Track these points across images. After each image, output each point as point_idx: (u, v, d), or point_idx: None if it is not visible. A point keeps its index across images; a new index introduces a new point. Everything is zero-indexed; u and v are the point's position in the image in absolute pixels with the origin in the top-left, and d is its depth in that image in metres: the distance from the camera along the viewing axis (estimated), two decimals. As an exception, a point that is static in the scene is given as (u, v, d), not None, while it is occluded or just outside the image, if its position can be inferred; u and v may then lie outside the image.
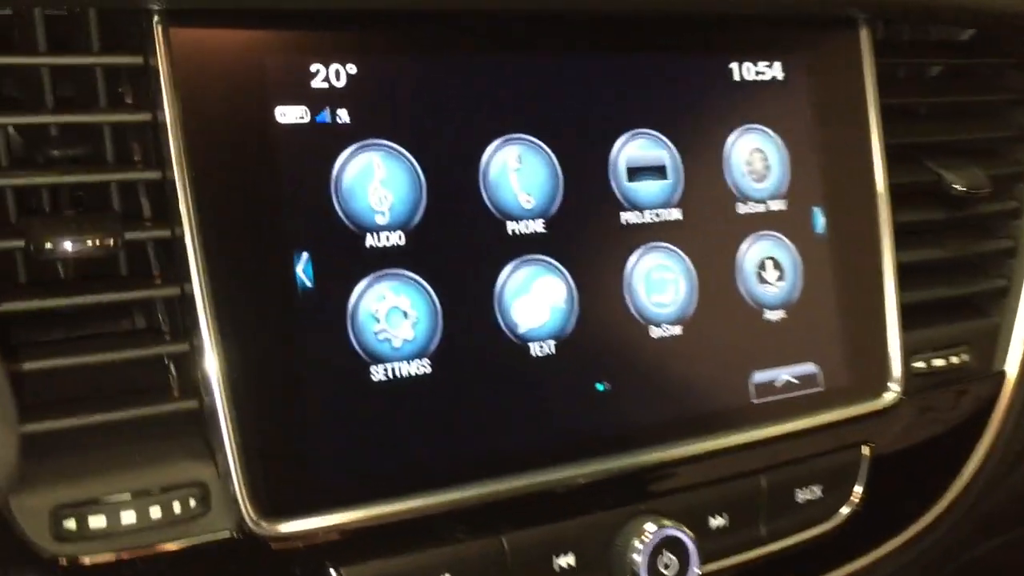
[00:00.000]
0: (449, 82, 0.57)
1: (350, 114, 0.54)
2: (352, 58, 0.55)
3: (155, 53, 0.50)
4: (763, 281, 0.68)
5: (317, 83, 0.54)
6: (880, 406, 0.71)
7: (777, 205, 0.69)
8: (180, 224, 0.50)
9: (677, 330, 0.64)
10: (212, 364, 0.50)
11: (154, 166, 0.51)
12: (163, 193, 0.51)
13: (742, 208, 0.67)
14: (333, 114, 0.54)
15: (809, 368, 0.69)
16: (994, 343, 0.80)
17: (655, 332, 0.63)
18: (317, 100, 0.54)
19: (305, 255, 0.53)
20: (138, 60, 0.51)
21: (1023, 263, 0.82)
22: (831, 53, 0.72)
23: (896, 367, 0.72)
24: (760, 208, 0.68)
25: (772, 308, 0.68)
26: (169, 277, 0.51)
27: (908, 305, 0.75)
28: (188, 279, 0.50)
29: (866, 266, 0.72)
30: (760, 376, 0.67)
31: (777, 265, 0.68)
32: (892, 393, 0.71)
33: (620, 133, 0.63)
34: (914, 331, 0.75)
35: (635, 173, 0.63)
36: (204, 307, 0.50)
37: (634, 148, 0.63)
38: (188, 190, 0.50)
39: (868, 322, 0.72)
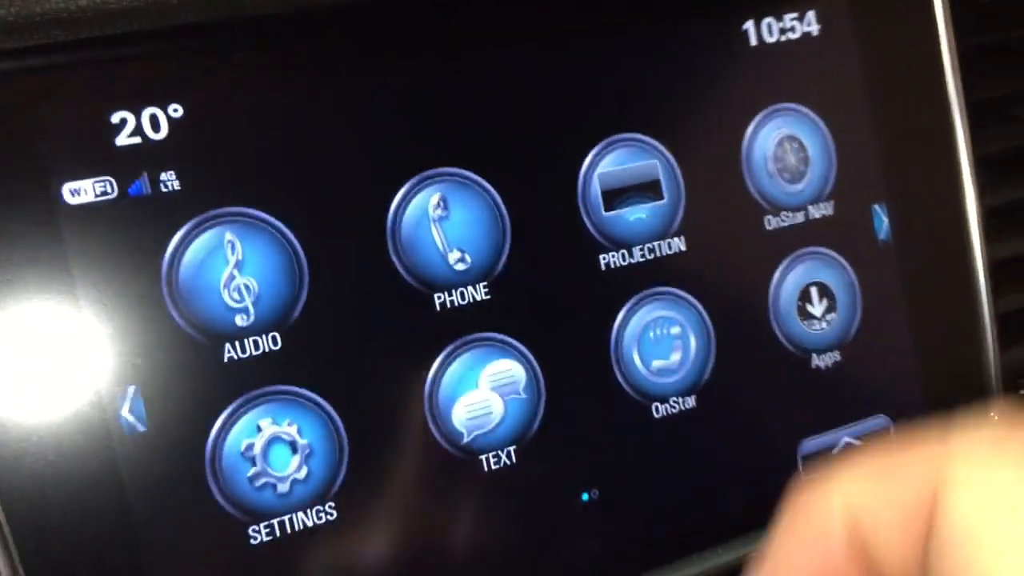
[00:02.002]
0: (322, 109, 0.40)
1: (180, 177, 0.38)
2: (174, 96, 0.38)
3: None
4: (807, 317, 0.50)
5: (124, 139, 0.37)
6: (978, 462, 0.53)
7: (821, 211, 0.50)
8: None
9: (690, 403, 0.47)
10: (2, 562, 0.35)
11: None
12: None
13: (772, 222, 0.49)
14: (154, 181, 0.38)
15: (877, 423, 0.51)
16: None
17: (659, 410, 0.46)
18: (126, 164, 0.37)
19: (132, 389, 0.37)
20: None
21: None
22: (886, -13, 0.52)
23: (995, 403, 0.54)
24: (797, 218, 0.50)
25: (822, 351, 0.50)
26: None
27: (1011, 313, 0.56)
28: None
29: (949, 274, 0.54)
30: (811, 444, 0.50)
31: (825, 292, 0.50)
32: (994, 443, 0.53)
33: (589, 144, 0.45)
34: (1021, 346, 0.57)
35: (616, 197, 0.46)
36: (-17, 487, 0.35)
37: (611, 162, 0.46)
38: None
39: (955, 349, 0.54)
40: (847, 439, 0.51)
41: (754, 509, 0.48)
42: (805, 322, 0.50)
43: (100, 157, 0.37)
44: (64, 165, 0.36)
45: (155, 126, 0.38)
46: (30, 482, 0.36)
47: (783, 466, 0.49)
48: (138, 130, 0.37)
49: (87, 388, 0.37)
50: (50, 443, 0.36)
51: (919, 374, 0.53)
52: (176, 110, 0.38)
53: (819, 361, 0.50)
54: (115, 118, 0.37)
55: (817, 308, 0.50)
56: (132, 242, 0.37)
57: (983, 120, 0.56)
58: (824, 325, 0.50)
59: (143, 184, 0.37)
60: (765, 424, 0.49)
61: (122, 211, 0.37)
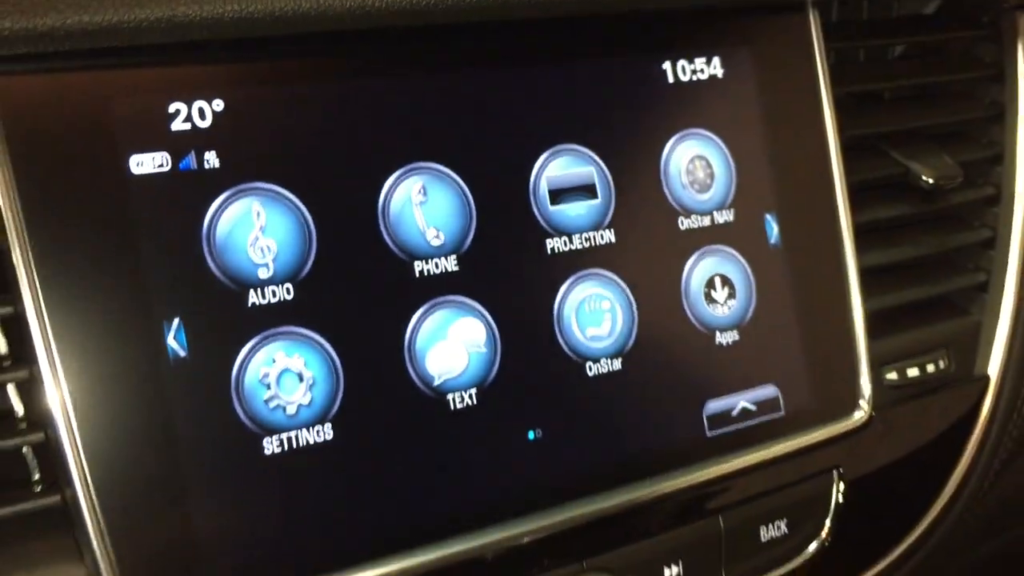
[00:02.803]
0: (334, 111, 0.51)
1: (220, 157, 0.48)
2: (217, 93, 0.48)
3: (-22, 106, 0.44)
4: (712, 301, 0.61)
5: (178, 125, 0.47)
6: (849, 427, 0.65)
7: (724, 217, 0.62)
8: (22, 300, 0.44)
9: (616, 364, 0.58)
10: (70, 454, 0.44)
11: (-8, 235, 0.45)
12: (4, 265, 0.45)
13: (684, 223, 0.61)
14: (199, 159, 0.48)
15: (768, 392, 0.63)
16: (974, 345, 0.73)
17: (592, 369, 0.57)
18: (179, 144, 0.47)
19: (176, 321, 0.47)
20: (-36, 114, 0.44)
21: (1004, 254, 0.75)
22: (776, 42, 0.65)
23: (864, 382, 0.66)
24: (705, 221, 0.62)
25: (724, 330, 0.62)
26: (19, 358, 0.46)
27: (878, 311, 0.69)
28: (36, 360, 0.44)
29: (827, 275, 0.66)
30: (714, 406, 0.61)
31: (727, 282, 0.62)
32: (861, 411, 0.65)
33: (539, 151, 0.57)
34: (885, 339, 0.69)
35: (559, 195, 0.57)
36: (56, 389, 0.44)
37: (556, 167, 0.57)
38: (28, 259, 0.44)
39: (832, 336, 0.66)
40: (743, 403, 0.62)
41: (666, 454, 0.59)
42: (710, 306, 0.61)
43: (159, 138, 0.47)
44: (131, 142, 0.46)
45: (202, 116, 0.48)
46: (97, 395, 0.45)
47: (691, 421, 0.60)
48: (189, 118, 0.47)
49: (142, 319, 0.46)
50: (113, 363, 0.45)
51: (803, 354, 0.64)
52: (219, 104, 0.48)
53: (721, 338, 0.62)
54: (171, 108, 0.47)
55: (720, 295, 0.62)
56: (180, 205, 0.47)
57: (855, 153, 0.69)
58: (726, 309, 0.62)
59: (191, 160, 0.47)
60: (676, 386, 0.60)
61: (174, 181, 0.47)
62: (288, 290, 0.49)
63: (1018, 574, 0.91)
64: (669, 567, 0.58)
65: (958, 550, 0.77)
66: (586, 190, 0.58)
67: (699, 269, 0.61)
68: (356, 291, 0.51)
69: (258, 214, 0.49)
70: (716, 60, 0.63)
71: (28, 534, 0.46)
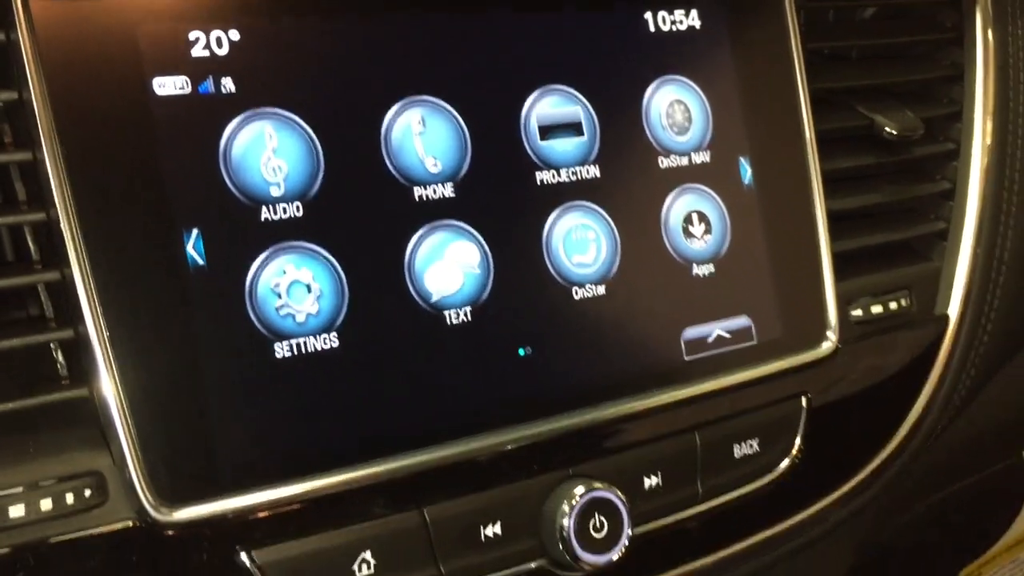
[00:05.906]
0: (342, 44, 0.55)
1: (235, 82, 0.52)
2: (234, 23, 0.52)
3: (16, 27, 0.47)
4: (689, 235, 0.66)
5: (197, 51, 0.51)
6: (816, 356, 0.69)
7: (701, 157, 0.67)
8: (54, 206, 0.47)
9: (601, 290, 0.62)
10: (98, 350, 0.48)
11: (25, 147, 0.48)
12: (38, 175, 0.48)
13: (664, 162, 0.65)
14: (217, 83, 0.52)
15: (742, 322, 0.67)
16: (935, 287, 0.78)
17: (578, 293, 0.61)
18: (198, 69, 0.51)
19: (195, 232, 0.51)
20: (-1, 36, 0.48)
21: (962, 205, 0.80)
22: (750, -2, 0.70)
23: (831, 316, 0.70)
24: (683, 161, 0.66)
25: (700, 263, 0.66)
26: (49, 262, 0.49)
27: (844, 253, 0.73)
28: (67, 263, 0.48)
29: (797, 216, 0.71)
30: (691, 332, 0.65)
31: (703, 218, 0.67)
32: (828, 342, 0.70)
33: (530, 90, 0.61)
34: (851, 279, 0.74)
35: (548, 131, 0.61)
36: (85, 291, 0.48)
37: (546, 105, 0.61)
38: (61, 170, 0.47)
39: (801, 272, 0.70)
40: (718, 331, 0.66)
41: (646, 374, 0.64)
42: (688, 240, 0.66)
43: (180, 63, 0.51)
44: (155, 66, 0.50)
45: (219, 44, 0.52)
46: (123, 297, 0.48)
47: (670, 345, 0.65)
48: (207, 46, 0.51)
49: (164, 229, 0.50)
50: (137, 268, 0.49)
51: (774, 289, 0.69)
52: (235, 34, 0.52)
53: (698, 270, 0.66)
54: (192, 36, 0.51)
55: (697, 230, 0.66)
56: (199, 125, 0.51)
57: (824, 106, 0.74)
58: (702, 243, 0.66)
59: (209, 85, 0.51)
60: (657, 313, 0.64)
61: (193, 103, 0.51)
62: (298, 208, 0.53)
63: (966, 519, 0.96)
64: (648, 477, 0.63)
65: (919, 485, 0.82)
66: (573, 128, 0.62)
67: (678, 205, 0.66)
68: (360, 212, 0.55)
69: (270, 136, 0.53)
70: (694, 12, 0.67)
71: (57, 425, 0.49)
